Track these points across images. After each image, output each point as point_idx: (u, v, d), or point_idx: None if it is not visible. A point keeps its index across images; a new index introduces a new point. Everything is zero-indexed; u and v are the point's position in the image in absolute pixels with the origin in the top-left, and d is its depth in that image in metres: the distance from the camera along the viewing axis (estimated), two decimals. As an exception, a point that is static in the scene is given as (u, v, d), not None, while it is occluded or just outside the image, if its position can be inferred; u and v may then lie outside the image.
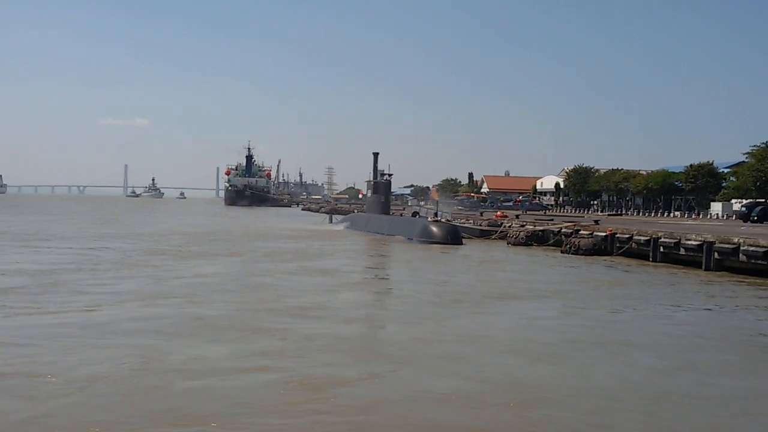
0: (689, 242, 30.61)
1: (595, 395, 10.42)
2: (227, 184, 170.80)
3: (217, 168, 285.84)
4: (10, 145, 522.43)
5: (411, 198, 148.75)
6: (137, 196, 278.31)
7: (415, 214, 57.17)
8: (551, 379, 11.31)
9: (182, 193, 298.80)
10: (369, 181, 61.11)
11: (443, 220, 47.42)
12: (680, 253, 31.27)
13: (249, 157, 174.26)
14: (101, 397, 9.63)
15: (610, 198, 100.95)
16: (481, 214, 64.43)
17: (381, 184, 57.93)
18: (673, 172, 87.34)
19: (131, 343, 12.82)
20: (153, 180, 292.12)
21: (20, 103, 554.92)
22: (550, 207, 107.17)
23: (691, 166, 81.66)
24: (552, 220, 50.42)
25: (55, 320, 14.88)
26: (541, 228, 43.87)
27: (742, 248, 27.53)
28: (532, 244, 41.86)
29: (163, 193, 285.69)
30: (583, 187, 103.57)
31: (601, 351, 13.81)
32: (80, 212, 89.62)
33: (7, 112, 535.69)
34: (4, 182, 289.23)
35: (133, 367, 11.14)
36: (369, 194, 62.19)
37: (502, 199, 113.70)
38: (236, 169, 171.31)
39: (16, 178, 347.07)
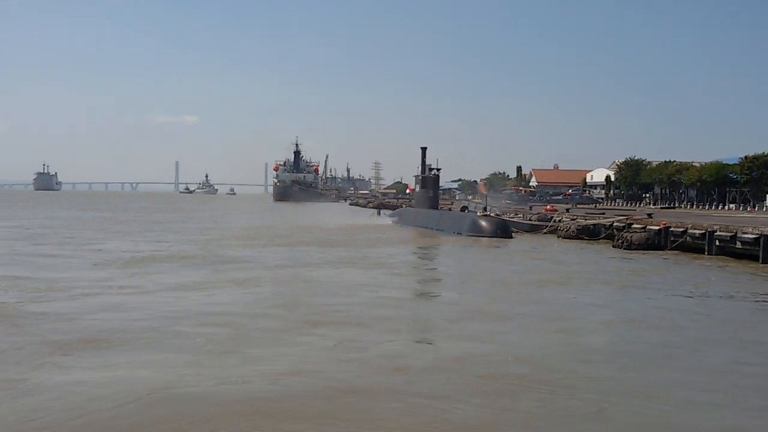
0: (746, 236, 30.18)
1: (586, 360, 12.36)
2: (276, 180, 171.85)
3: (266, 164, 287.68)
4: (64, 143, 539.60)
5: (458, 192, 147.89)
6: (191, 192, 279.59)
7: (464, 208, 57.38)
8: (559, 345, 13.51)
9: (232, 189, 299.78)
10: (417, 176, 61.45)
11: (492, 214, 47.57)
12: (736, 246, 30.85)
13: (297, 153, 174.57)
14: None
15: (663, 191, 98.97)
16: (531, 208, 64.25)
17: (429, 179, 58.16)
18: (728, 164, 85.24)
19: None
20: (206, 176, 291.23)
21: (72, 102, 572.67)
22: (600, 200, 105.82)
23: (746, 157, 79.57)
24: (603, 213, 49.92)
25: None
26: (592, 222, 43.57)
27: (801, 242, 27.11)
28: (583, 238, 41.65)
29: (216, 190, 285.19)
30: (635, 179, 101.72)
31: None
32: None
33: (61, 111, 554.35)
34: (59, 180, 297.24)
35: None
36: (417, 189, 62.56)
37: (551, 192, 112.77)
38: (284, 165, 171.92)
39: (70, 175, 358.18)
